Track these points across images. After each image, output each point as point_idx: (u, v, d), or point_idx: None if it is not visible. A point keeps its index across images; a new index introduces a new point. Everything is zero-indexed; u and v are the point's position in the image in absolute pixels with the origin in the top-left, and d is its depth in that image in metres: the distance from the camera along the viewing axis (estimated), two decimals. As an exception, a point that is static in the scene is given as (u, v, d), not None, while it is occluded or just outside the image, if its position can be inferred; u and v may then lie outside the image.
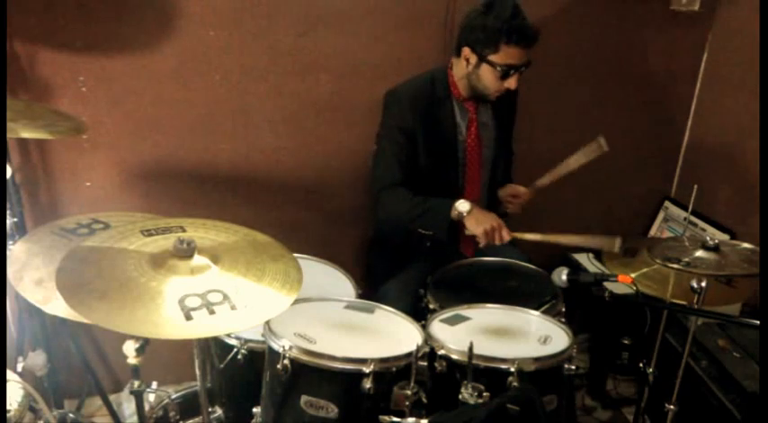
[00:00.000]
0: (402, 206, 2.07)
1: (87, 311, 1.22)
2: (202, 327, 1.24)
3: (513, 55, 1.96)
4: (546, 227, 2.03)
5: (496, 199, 2.28)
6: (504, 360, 1.56)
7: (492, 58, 1.97)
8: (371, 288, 2.18)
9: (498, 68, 1.97)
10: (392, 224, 2.21)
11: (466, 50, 2.01)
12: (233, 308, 1.28)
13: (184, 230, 1.49)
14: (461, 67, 2.06)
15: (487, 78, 2.02)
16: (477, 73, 2.03)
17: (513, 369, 1.55)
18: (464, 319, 1.79)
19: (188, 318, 1.24)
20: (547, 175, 2.18)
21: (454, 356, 1.60)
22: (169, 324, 1.22)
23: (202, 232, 1.49)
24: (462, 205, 1.99)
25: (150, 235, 1.44)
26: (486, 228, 1.96)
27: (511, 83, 2.01)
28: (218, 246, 1.44)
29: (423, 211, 2.04)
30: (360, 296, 1.93)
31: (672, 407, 1.88)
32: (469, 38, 2.00)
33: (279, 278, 1.39)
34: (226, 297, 1.29)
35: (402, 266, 2.16)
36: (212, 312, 1.26)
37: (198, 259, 1.36)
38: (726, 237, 2.48)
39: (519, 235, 2.00)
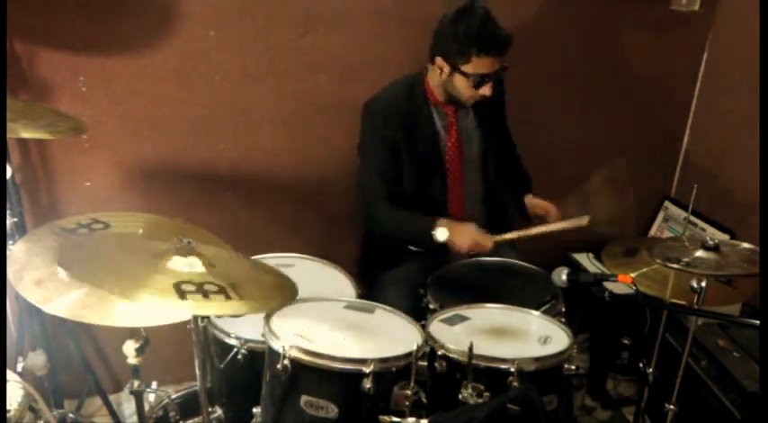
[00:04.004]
0: (388, 225, 2.12)
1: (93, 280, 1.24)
2: (196, 307, 1.24)
3: (484, 64, 1.95)
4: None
5: (502, 201, 2.26)
6: (504, 360, 1.56)
7: (464, 68, 1.95)
8: (368, 282, 2.17)
9: (471, 79, 1.97)
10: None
11: (439, 60, 2.00)
12: (228, 298, 1.28)
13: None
14: (436, 75, 2.05)
15: (461, 87, 2.01)
16: (451, 81, 2.01)
17: (513, 369, 1.54)
18: (464, 319, 1.79)
19: (182, 297, 1.24)
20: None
21: (454, 356, 1.60)
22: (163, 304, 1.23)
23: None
24: (440, 235, 1.99)
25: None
26: (464, 248, 1.98)
27: (485, 90, 1.99)
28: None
29: (406, 233, 2.10)
30: (360, 296, 1.92)
31: (672, 407, 1.88)
32: (441, 47, 1.99)
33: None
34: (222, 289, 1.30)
35: (400, 264, 2.16)
36: (206, 296, 1.27)
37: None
38: (726, 237, 2.47)
39: (498, 238, 2.00)
